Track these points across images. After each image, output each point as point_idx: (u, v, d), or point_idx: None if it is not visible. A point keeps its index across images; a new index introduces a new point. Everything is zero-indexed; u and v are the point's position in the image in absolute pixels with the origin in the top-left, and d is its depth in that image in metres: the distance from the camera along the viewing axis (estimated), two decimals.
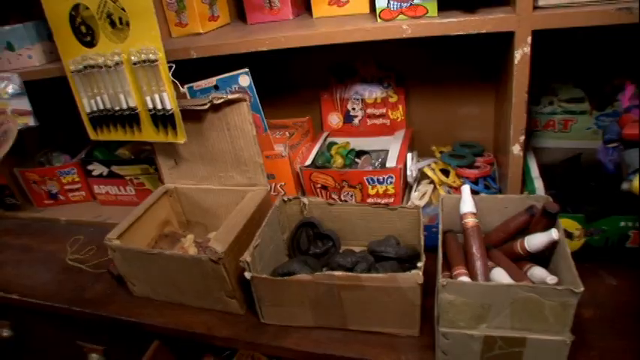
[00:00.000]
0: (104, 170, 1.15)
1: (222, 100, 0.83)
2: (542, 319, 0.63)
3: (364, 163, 0.97)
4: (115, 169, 1.13)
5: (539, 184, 0.83)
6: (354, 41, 0.78)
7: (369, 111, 1.04)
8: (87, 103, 0.94)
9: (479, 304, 0.65)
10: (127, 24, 0.82)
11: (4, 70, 1.03)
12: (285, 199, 0.89)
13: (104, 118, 0.93)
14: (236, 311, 0.84)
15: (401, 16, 0.77)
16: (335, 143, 1.02)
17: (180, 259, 0.82)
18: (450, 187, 0.90)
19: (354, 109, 1.04)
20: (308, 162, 0.96)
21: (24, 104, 1.03)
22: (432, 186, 0.93)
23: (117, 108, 0.91)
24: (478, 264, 0.72)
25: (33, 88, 1.05)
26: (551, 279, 0.66)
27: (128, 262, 0.87)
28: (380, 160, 0.98)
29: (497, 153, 0.96)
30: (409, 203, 0.92)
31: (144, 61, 0.82)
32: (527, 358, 0.66)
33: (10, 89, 1.01)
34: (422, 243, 0.76)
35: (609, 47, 0.85)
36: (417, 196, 0.92)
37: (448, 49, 0.93)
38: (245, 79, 0.88)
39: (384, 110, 1.02)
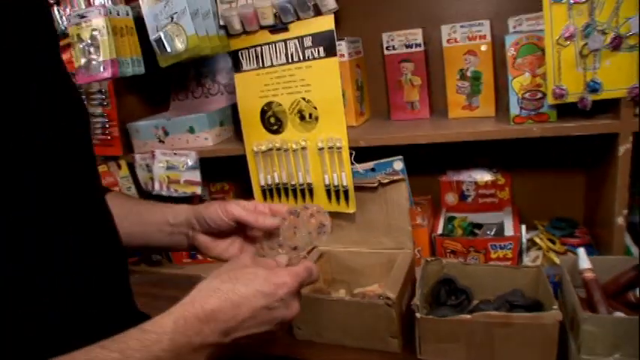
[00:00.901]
0: None
1: (388, 180, 1.11)
2: None
3: (483, 233, 1.25)
4: None
5: (635, 250, 1.10)
6: (494, 138, 1.08)
7: (481, 191, 1.31)
8: (262, 177, 1.21)
9: (614, 335, 0.88)
10: (316, 119, 1.11)
11: (184, 148, 1.32)
12: (428, 260, 1.15)
13: (277, 190, 1.21)
14: (394, 350, 1.05)
15: (529, 121, 1.07)
16: (454, 217, 1.29)
17: (356, 304, 1.05)
18: (557, 252, 1.17)
19: (467, 189, 1.32)
20: (439, 231, 1.23)
21: (195, 176, 1.29)
22: (540, 252, 1.20)
23: (293, 182, 1.18)
24: (602, 309, 0.97)
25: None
26: None
27: (302, 308, 1.11)
28: (494, 230, 1.26)
29: (588, 225, 1.25)
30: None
31: (329, 148, 1.11)
32: None
33: (188, 164, 1.29)
34: (551, 290, 1.01)
35: None
36: (529, 260, 1.19)
37: (546, 144, 1.23)
38: (399, 164, 1.16)
39: (493, 191, 1.30)
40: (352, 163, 1.10)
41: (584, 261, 1.02)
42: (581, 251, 1.04)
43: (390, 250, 1.18)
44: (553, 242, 1.19)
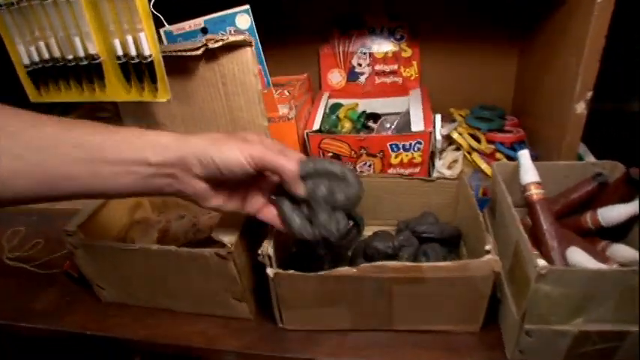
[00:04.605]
0: None
1: (220, 44, 0.58)
2: None
3: (380, 127, 0.76)
4: None
5: (591, 158, 0.68)
6: None
7: (378, 67, 0.82)
8: (24, 51, 0.64)
9: (581, 295, 0.48)
10: None
11: None
12: None
13: (51, 72, 0.64)
14: (244, 316, 0.61)
15: None
16: (340, 105, 0.80)
17: (172, 255, 0.57)
18: (483, 153, 0.73)
19: (360, 64, 0.82)
20: (315, 127, 0.74)
21: None
22: (459, 154, 0.75)
23: (70, 57, 0.62)
24: (554, 244, 0.55)
25: None
26: None
27: (97, 260, 0.61)
28: (395, 124, 0.78)
29: (520, 114, 0.80)
30: (435, 173, 0.74)
31: None
32: (621, 353, 0.51)
33: None
34: (481, 220, 0.58)
35: None
36: (444, 165, 0.74)
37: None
38: (245, 20, 0.63)
39: (396, 67, 0.82)
40: (156, 16, 0.56)
41: (529, 171, 0.60)
42: (525, 155, 0.60)
43: None
44: (477, 140, 0.73)
